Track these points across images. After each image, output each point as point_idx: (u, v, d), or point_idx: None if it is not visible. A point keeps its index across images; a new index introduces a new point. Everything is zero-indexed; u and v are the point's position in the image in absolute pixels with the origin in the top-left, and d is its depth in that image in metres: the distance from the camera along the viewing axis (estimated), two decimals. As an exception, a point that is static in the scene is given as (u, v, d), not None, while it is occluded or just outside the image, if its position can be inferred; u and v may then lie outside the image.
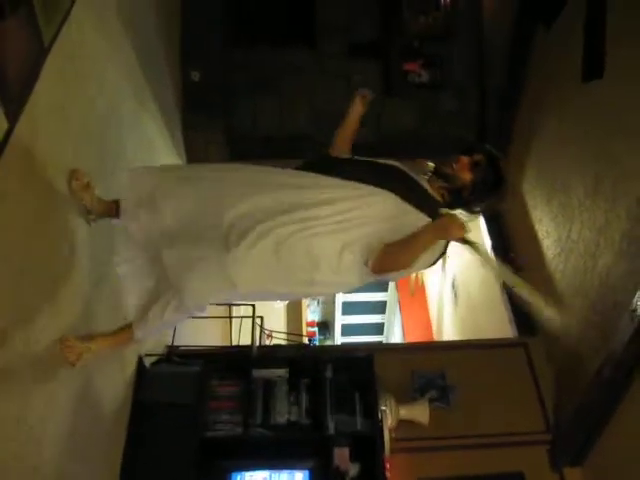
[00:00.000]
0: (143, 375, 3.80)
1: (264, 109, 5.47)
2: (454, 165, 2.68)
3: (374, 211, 2.56)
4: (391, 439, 3.70)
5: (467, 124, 5.56)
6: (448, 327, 7.43)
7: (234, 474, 3.61)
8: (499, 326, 5.08)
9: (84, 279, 2.87)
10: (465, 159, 2.68)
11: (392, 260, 2.55)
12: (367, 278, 2.63)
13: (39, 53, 2.39)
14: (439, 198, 2.68)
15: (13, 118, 2.15)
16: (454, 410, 4.06)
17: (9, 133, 2.13)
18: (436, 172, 2.72)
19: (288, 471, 3.62)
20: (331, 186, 2.60)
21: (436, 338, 8.14)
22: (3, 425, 2.22)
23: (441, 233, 2.51)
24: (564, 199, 4.09)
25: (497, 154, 2.75)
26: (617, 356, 3.21)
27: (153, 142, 4.34)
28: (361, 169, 2.67)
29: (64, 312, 2.67)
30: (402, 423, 3.83)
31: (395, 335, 11.18)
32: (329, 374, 3.88)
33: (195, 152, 5.39)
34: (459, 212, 2.73)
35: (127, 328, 2.75)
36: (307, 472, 3.60)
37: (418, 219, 2.56)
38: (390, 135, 5.55)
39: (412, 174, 2.71)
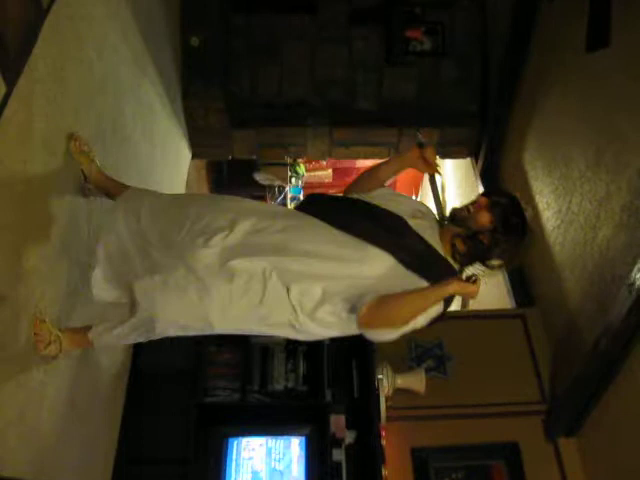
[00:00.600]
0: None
1: (264, 75, 5.42)
2: (471, 207, 2.48)
3: (365, 271, 2.37)
4: (387, 407, 3.73)
5: (469, 93, 5.53)
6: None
7: (231, 439, 3.63)
8: (497, 297, 5.09)
9: (81, 246, 2.86)
10: (483, 199, 2.47)
11: (385, 314, 2.31)
12: (350, 330, 2.43)
13: (38, 14, 2.36)
14: (455, 248, 2.48)
15: (11, 81, 2.13)
16: (450, 380, 4.08)
17: (7, 96, 2.11)
18: (451, 217, 2.52)
19: (284, 437, 3.65)
20: (324, 240, 2.41)
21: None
22: (2, 389, 2.23)
23: (452, 292, 2.30)
24: (565, 171, 4.07)
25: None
26: (614, 328, 3.21)
27: (153, 108, 4.30)
28: (363, 222, 2.43)
29: (60, 278, 2.67)
30: (398, 392, 3.85)
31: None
32: (327, 341, 3.89)
33: (195, 119, 5.35)
34: (476, 267, 2.51)
35: (85, 331, 2.57)
36: (303, 438, 3.62)
37: (417, 285, 2.36)
38: (390, 103, 5.52)
39: (419, 229, 2.47)
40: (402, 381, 3.85)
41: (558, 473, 3.76)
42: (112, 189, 2.73)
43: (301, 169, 8.67)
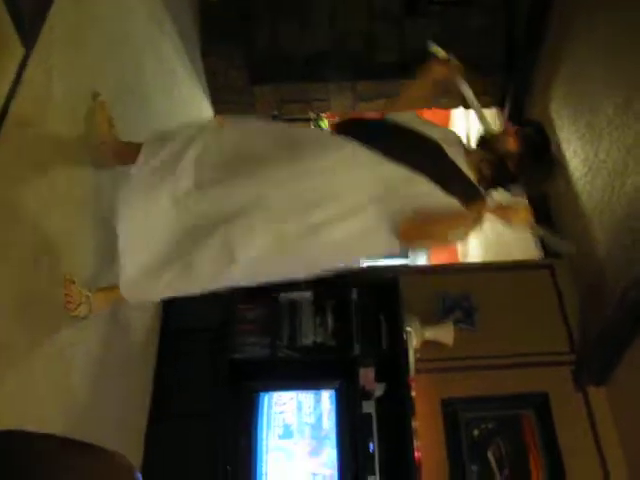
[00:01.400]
0: (171, 300, 3.84)
1: (284, 29, 5.35)
2: (498, 135, 2.64)
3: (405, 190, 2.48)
4: (416, 359, 3.74)
5: (494, 42, 5.41)
6: (473, 249, 7.42)
7: (262, 394, 3.68)
8: (524, 247, 5.06)
9: (106, 205, 2.88)
10: (512, 127, 2.63)
11: (428, 231, 2.53)
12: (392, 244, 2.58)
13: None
14: (480, 172, 2.59)
15: (29, 44, 2.13)
16: (479, 331, 4.08)
17: (26, 59, 2.11)
18: (478, 142, 2.65)
19: (314, 391, 3.69)
20: (362, 164, 2.47)
21: (461, 260, 8.14)
22: (35, 352, 2.27)
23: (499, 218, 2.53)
24: (592, 118, 4.00)
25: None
26: (643, 277, 3.19)
27: (172, 65, 4.28)
28: (400, 147, 2.51)
29: (88, 239, 2.70)
30: (427, 344, 3.86)
31: (420, 258, 11.18)
32: (355, 296, 3.90)
33: (215, 76, 5.32)
34: (501, 193, 2.65)
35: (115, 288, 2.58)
36: (333, 392, 3.66)
37: (449, 203, 2.50)
38: (414, 54, 5.42)
39: (451, 153, 2.57)
40: (430, 333, 3.86)
41: (588, 422, 3.77)
42: (131, 154, 2.62)
43: (325, 124, 8.60)
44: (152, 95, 3.69)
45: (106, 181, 2.86)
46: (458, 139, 2.73)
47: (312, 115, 7.43)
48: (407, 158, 2.47)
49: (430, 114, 8.63)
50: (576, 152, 4.23)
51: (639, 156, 3.44)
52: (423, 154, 2.52)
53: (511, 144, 2.55)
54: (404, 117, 2.66)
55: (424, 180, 2.47)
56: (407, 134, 2.58)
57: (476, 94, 5.55)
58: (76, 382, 2.62)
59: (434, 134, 2.62)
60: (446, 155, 2.55)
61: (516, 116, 5.33)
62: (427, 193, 2.48)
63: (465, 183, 2.56)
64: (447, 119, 8.68)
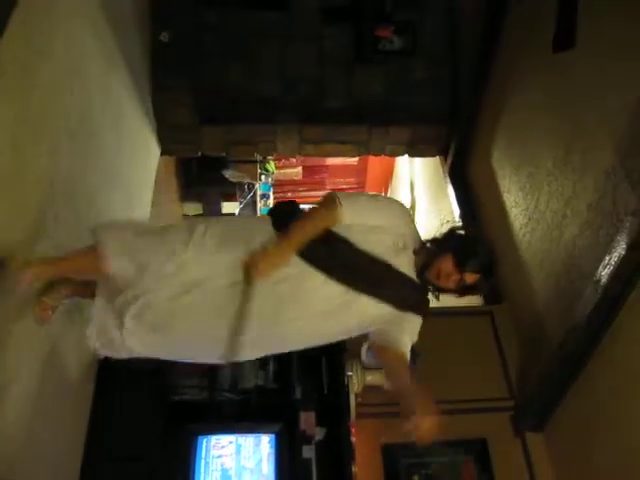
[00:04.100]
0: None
1: (234, 72, 5.39)
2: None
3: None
4: (357, 404, 3.74)
5: (438, 92, 5.55)
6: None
7: (200, 437, 3.60)
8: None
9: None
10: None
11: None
12: None
13: (6, 8, 2.34)
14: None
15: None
16: (419, 376, 4.09)
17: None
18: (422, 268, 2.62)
19: (254, 435, 3.64)
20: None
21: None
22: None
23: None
24: (533, 169, 4.12)
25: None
26: (580, 326, 3.26)
27: (121, 103, 4.26)
28: (347, 269, 2.43)
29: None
30: (368, 388, 3.85)
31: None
32: (297, 339, 3.88)
33: (164, 115, 5.32)
34: None
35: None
36: (273, 436, 3.61)
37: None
38: (360, 101, 5.52)
39: (400, 264, 2.53)
40: (372, 378, 3.86)
41: (526, 468, 3.80)
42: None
43: (271, 166, 8.66)
44: (100, 131, 3.67)
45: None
46: (405, 230, 2.62)
47: (258, 157, 7.48)
48: (356, 283, 2.44)
49: (377, 160, 8.77)
50: (517, 202, 4.33)
51: (577, 207, 3.55)
52: (372, 278, 2.47)
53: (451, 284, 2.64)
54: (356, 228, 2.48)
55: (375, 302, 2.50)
56: (355, 257, 2.43)
57: (420, 142, 5.71)
58: (9, 423, 2.53)
59: (384, 239, 2.51)
60: (396, 273, 2.53)
61: (459, 165, 5.46)
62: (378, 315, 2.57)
63: (417, 296, 2.71)
64: (392, 165, 8.84)
